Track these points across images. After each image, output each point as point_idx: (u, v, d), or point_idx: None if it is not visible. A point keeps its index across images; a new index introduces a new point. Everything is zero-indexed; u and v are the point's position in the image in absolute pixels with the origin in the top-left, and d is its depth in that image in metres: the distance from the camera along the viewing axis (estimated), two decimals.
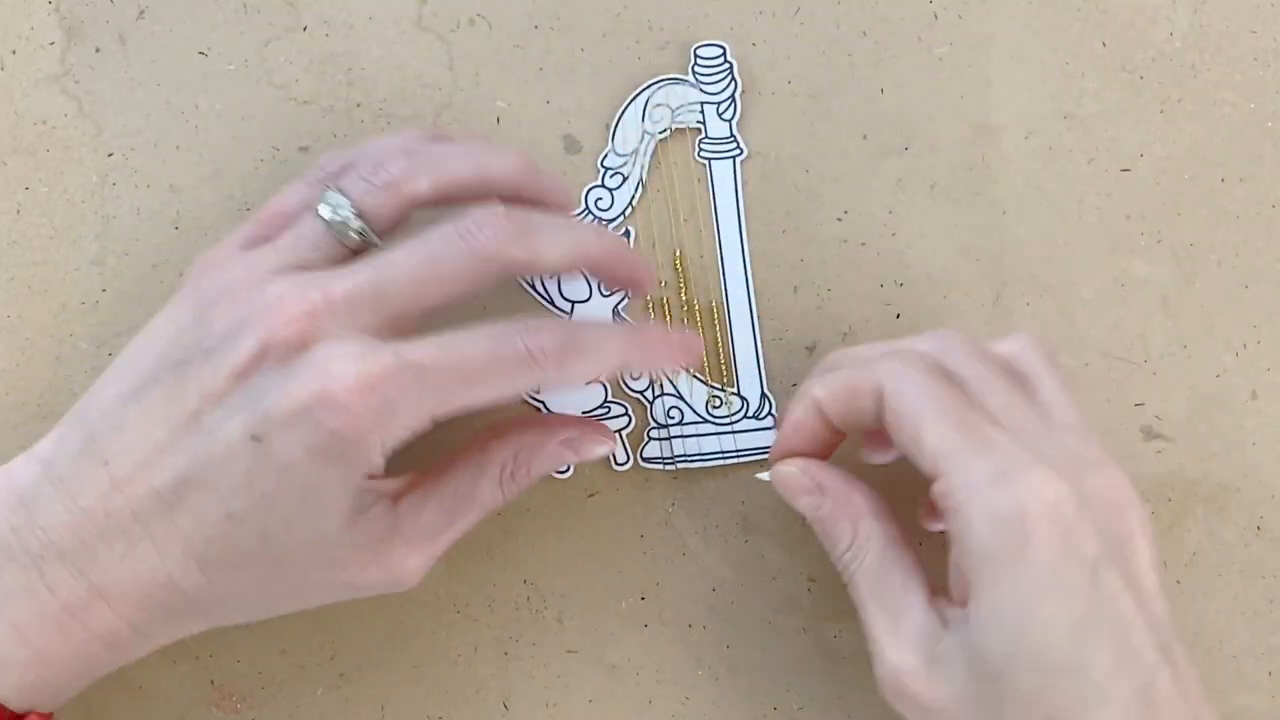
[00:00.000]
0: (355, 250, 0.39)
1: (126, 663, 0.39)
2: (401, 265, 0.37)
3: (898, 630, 0.38)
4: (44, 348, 0.46)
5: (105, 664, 0.39)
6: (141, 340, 0.40)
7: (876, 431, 0.41)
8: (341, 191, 0.39)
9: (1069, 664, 0.34)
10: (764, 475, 0.43)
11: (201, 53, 0.46)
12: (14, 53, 0.46)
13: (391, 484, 0.40)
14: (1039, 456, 0.36)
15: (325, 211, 0.39)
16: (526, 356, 0.37)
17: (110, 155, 0.46)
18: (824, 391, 0.40)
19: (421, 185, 0.40)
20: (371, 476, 0.38)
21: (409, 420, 0.37)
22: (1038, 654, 0.35)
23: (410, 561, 0.40)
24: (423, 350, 0.36)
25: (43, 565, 0.37)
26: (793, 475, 0.41)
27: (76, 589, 0.37)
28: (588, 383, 0.43)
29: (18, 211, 0.46)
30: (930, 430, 0.37)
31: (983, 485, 0.35)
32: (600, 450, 0.43)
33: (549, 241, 0.38)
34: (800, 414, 0.41)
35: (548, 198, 0.42)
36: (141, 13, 0.46)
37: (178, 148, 0.46)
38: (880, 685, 0.38)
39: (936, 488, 0.37)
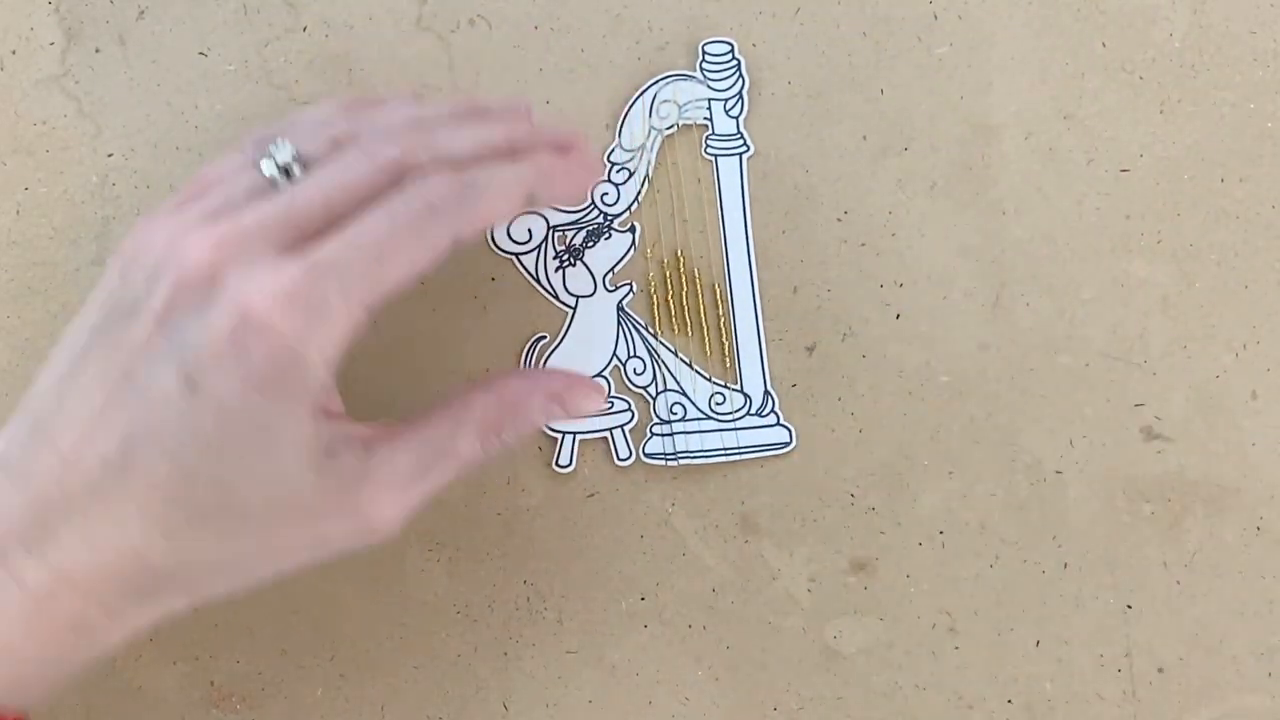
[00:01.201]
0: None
1: (105, 652, 0.38)
2: (308, 189, 0.37)
3: None
4: (44, 348, 0.46)
5: (80, 654, 0.37)
6: (75, 321, 0.39)
7: None
8: (284, 139, 0.39)
9: None
10: None
11: (201, 53, 0.46)
12: (14, 53, 0.46)
13: (362, 428, 0.39)
14: None
15: (267, 167, 0.38)
16: (426, 211, 0.37)
17: (110, 155, 0.46)
18: None
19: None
20: (334, 416, 0.37)
21: (340, 320, 0.36)
22: None
23: (383, 508, 0.38)
24: (329, 246, 0.36)
25: (4, 556, 0.36)
26: None
27: (40, 576, 0.36)
28: (503, 221, 0.42)
29: (17, 212, 0.46)
30: None
31: None
32: (589, 405, 0.42)
33: (450, 138, 0.39)
34: None
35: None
36: (141, 13, 0.46)
37: (178, 148, 0.46)
38: None
39: None
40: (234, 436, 0.36)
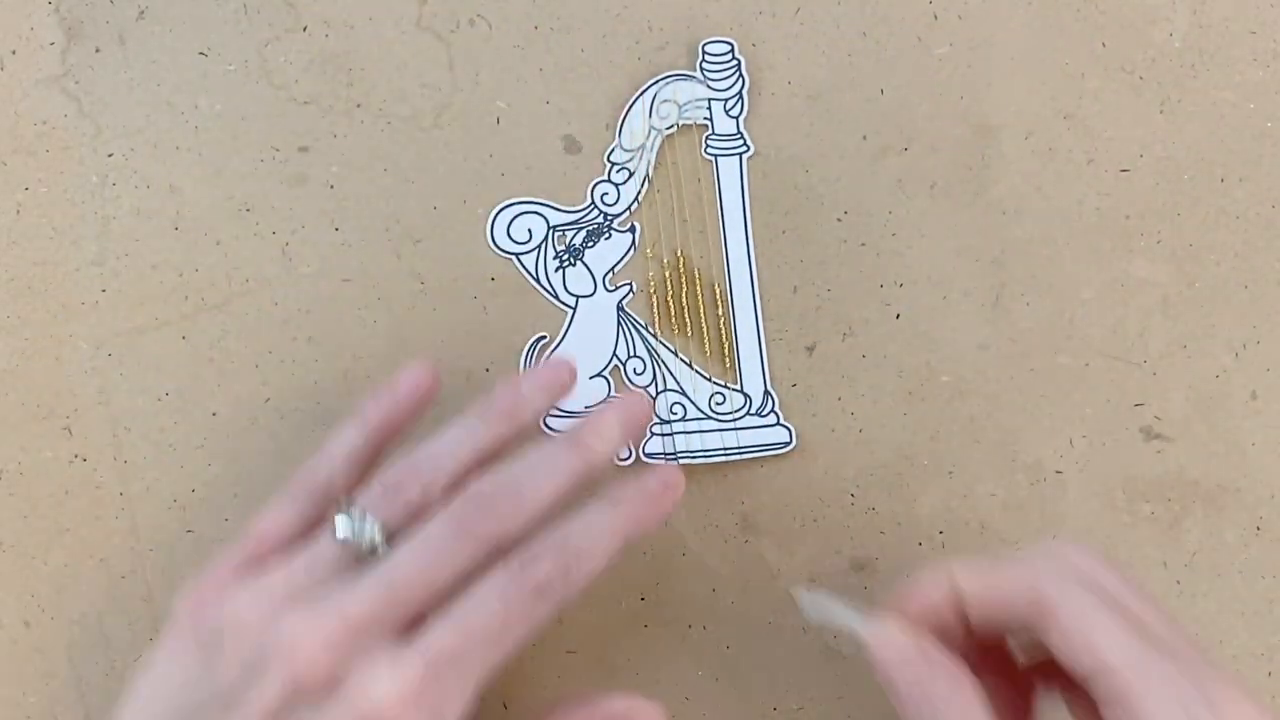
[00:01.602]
0: (362, 559, 0.39)
1: None
2: (409, 570, 0.37)
3: None
4: (44, 348, 0.46)
5: None
6: (147, 688, 0.38)
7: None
8: (364, 510, 0.39)
9: None
10: (856, 625, 0.38)
11: (201, 53, 0.46)
12: (14, 53, 0.46)
13: None
14: (1228, 682, 0.34)
15: (345, 529, 0.39)
16: (536, 593, 0.37)
17: (110, 155, 0.46)
18: (969, 578, 0.37)
19: (438, 493, 0.39)
20: None
21: (458, 705, 0.37)
22: None
23: None
24: (444, 639, 0.36)
25: None
26: (894, 638, 0.37)
27: None
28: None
29: (18, 211, 0.46)
30: (1115, 650, 0.35)
31: (1188, 708, 0.34)
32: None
33: (535, 490, 0.39)
34: (931, 594, 0.37)
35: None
36: (141, 13, 0.46)
37: (178, 148, 0.46)
38: None
39: (1114, 693, 0.35)
40: None
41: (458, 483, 0.39)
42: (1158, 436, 0.47)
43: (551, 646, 0.46)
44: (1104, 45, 0.46)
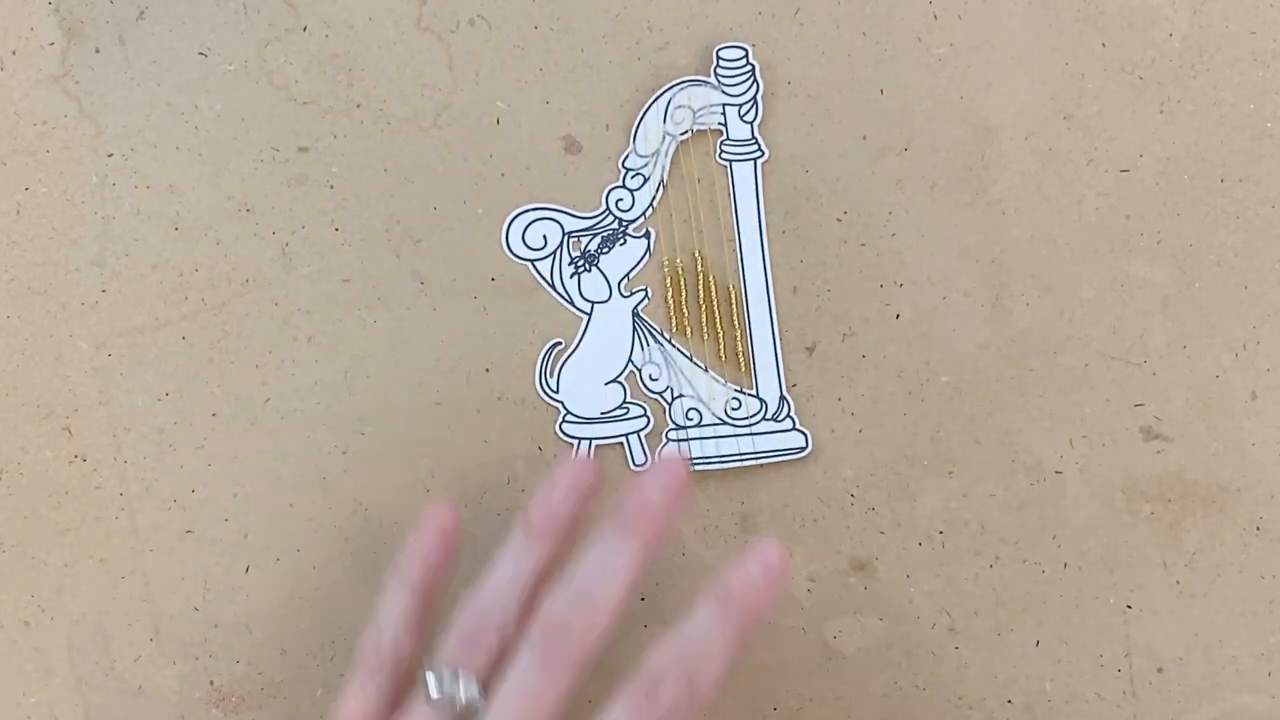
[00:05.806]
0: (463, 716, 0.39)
1: None
2: (517, 717, 0.37)
3: None
4: (44, 348, 0.46)
5: None
6: None
7: None
8: (454, 668, 0.39)
9: None
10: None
11: (201, 53, 0.46)
12: (14, 53, 0.46)
13: None
14: None
15: (438, 690, 0.38)
16: (666, 718, 0.38)
17: (110, 155, 0.46)
18: None
19: (513, 629, 0.39)
20: None
21: None
22: None
23: None
24: None
25: None
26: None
27: None
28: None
29: (18, 212, 0.46)
30: None
31: None
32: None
33: (608, 593, 0.39)
34: None
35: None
36: (141, 13, 0.46)
37: (178, 148, 0.46)
38: None
39: None
40: None
41: (528, 609, 0.39)
42: (1157, 437, 0.47)
43: None
44: (1104, 45, 0.46)
